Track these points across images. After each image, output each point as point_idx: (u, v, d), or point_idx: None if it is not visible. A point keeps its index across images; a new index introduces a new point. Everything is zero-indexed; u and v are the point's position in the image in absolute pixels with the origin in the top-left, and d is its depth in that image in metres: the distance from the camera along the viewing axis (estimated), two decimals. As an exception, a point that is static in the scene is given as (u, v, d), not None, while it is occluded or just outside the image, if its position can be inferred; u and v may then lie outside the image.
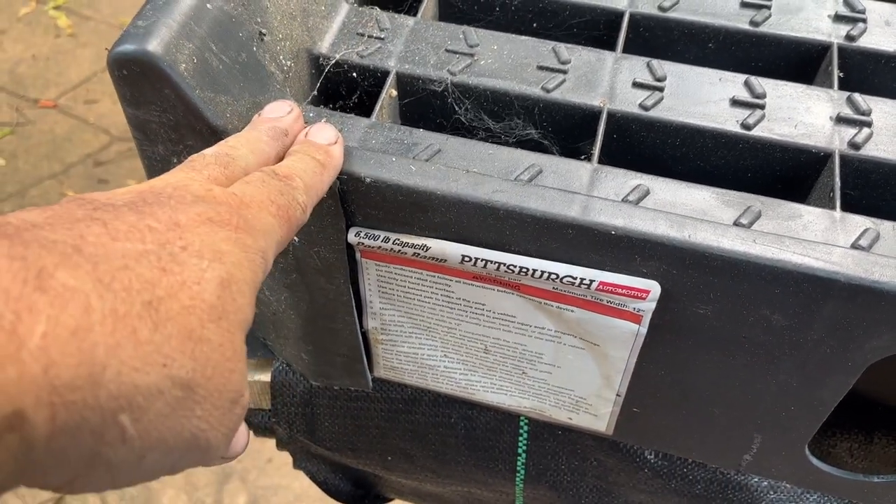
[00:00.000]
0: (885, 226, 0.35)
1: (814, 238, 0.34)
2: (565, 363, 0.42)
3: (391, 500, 0.65)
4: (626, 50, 0.43)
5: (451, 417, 0.51)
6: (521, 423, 0.50)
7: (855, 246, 0.34)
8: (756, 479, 0.49)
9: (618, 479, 0.51)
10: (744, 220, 0.35)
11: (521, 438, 0.51)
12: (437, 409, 0.52)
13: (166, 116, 0.35)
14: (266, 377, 0.53)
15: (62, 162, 1.76)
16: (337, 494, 0.62)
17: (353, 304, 0.42)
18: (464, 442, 0.52)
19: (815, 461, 0.43)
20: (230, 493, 1.27)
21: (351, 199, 0.37)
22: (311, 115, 0.39)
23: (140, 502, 1.26)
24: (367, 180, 0.35)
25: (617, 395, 0.43)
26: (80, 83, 1.91)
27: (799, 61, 0.44)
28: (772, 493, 0.49)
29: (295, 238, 0.39)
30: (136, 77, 0.34)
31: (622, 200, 0.35)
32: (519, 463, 0.52)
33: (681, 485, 0.50)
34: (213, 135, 0.35)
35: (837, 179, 0.37)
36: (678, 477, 0.50)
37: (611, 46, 0.43)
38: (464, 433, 0.52)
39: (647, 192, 0.36)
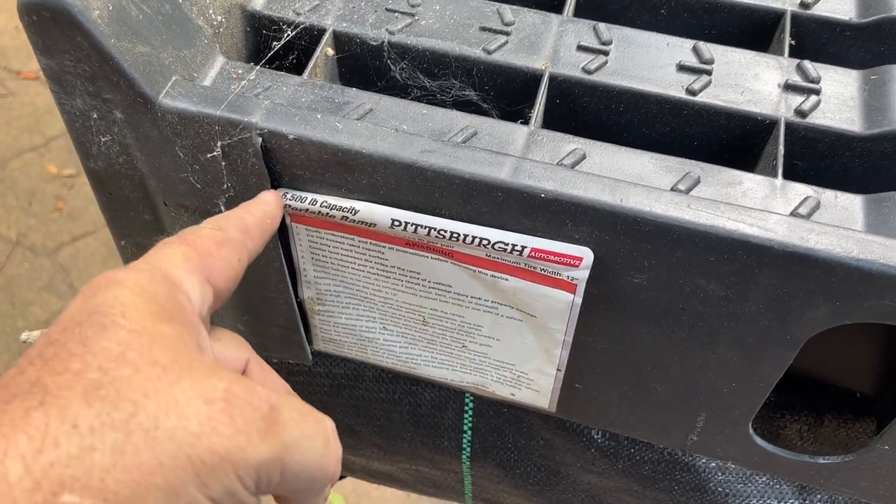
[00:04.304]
0: (827, 194, 0.34)
1: (753, 205, 0.33)
2: (504, 336, 0.41)
3: (343, 477, 0.64)
4: (575, 15, 0.42)
5: (396, 393, 0.50)
6: (467, 400, 0.49)
7: (794, 214, 0.33)
8: (704, 460, 0.47)
9: (565, 459, 0.50)
10: (681, 186, 0.34)
11: (466, 415, 0.50)
12: (381, 385, 0.50)
13: (81, 67, 0.34)
14: (207, 349, 0.51)
15: (43, 135, 1.74)
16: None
17: (286, 272, 0.41)
18: (409, 418, 0.51)
19: (759, 441, 0.41)
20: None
21: (276, 158, 0.35)
22: (239, 70, 0.37)
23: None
24: (291, 137, 0.34)
25: (557, 369, 0.41)
26: (62, 54, 1.88)
27: (752, 29, 0.43)
28: (720, 473, 0.48)
29: (220, 203, 0.38)
30: (47, 23, 0.32)
31: (556, 164, 0.34)
32: (465, 440, 0.51)
33: (628, 465, 0.49)
34: (131, 87, 0.34)
35: (781, 147, 0.35)
36: (625, 458, 0.48)
37: (560, 11, 0.42)
38: (408, 409, 0.50)
39: (584, 157, 0.35)
